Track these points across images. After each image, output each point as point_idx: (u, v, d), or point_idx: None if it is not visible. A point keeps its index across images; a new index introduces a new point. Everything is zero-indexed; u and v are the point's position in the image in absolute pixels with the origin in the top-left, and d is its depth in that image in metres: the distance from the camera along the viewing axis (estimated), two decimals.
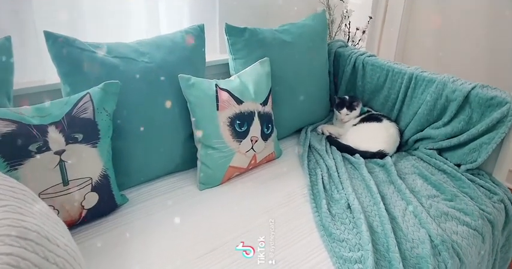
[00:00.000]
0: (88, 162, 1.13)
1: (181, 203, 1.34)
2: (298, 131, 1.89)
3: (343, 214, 1.27)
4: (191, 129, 1.43)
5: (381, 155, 1.66)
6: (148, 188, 1.40)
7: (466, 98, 1.51)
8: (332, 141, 1.76)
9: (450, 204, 1.35)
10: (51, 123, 1.07)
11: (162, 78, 1.36)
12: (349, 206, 1.31)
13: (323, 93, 1.93)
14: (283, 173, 1.54)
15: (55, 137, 1.06)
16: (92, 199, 1.16)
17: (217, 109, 1.37)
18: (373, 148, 1.67)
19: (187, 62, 1.44)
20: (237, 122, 1.40)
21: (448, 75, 1.60)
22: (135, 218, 1.26)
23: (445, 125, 1.60)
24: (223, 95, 1.39)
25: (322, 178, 1.47)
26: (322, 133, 1.85)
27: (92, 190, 1.15)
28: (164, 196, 1.37)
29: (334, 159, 1.60)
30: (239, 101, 1.41)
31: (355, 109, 1.79)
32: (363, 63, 1.88)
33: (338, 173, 1.50)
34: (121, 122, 1.28)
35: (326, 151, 1.67)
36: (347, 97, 1.83)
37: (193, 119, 1.39)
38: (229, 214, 1.28)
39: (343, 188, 1.41)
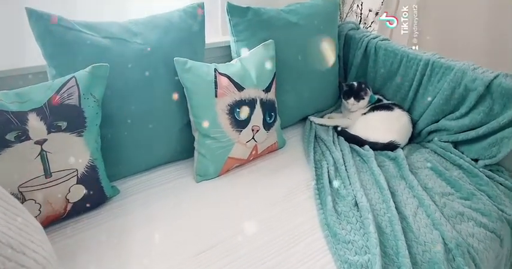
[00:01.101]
0: (73, 152, 1.04)
1: (176, 196, 1.25)
2: (303, 120, 1.78)
3: (350, 212, 1.18)
4: (188, 117, 1.33)
5: (392, 146, 1.55)
6: (141, 179, 1.31)
7: (488, 88, 1.39)
8: (339, 131, 1.65)
9: (466, 203, 1.24)
10: (31, 110, 0.98)
11: (157, 61, 1.25)
12: (356, 204, 1.21)
13: (331, 79, 1.81)
14: (286, 165, 1.45)
15: (36, 125, 0.97)
16: (78, 192, 1.07)
17: (216, 96, 1.27)
18: (384, 139, 1.56)
19: (185, 44, 1.33)
20: (237, 110, 1.29)
21: (468, 62, 1.47)
22: (126, 211, 1.17)
23: (462, 116, 1.48)
24: (223, 81, 1.28)
25: (328, 172, 1.37)
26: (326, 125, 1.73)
27: (77, 183, 1.06)
28: (158, 188, 1.28)
29: (341, 151, 1.50)
30: (240, 88, 1.31)
31: (363, 98, 1.67)
32: (375, 47, 1.75)
33: (345, 166, 1.40)
34: (112, 108, 1.18)
35: (333, 141, 1.57)
36: (355, 84, 1.70)
37: (189, 106, 1.29)
38: (227, 208, 1.20)
39: (350, 184, 1.31)
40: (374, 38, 1.77)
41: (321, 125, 1.72)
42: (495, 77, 1.37)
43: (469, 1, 2.08)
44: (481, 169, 1.40)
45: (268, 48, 1.45)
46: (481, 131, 1.41)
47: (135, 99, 1.22)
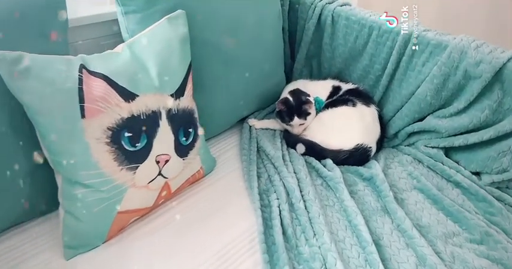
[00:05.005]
0: None
1: None
2: (240, 122, 1.28)
3: None
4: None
5: (361, 152, 1.13)
6: None
7: (497, 75, 0.99)
8: (290, 139, 1.19)
9: (480, 250, 0.86)
10: None
11: None
12: None
13: (275, 63, 1.32)
14: (217, 205, 0.96)
15: None
16: None
17: (83, 116, 0.73)
18: (349, 144, 1.13)
19: (23, 26, 0.76)
20: (126, 134, 0.77)
21: (467, 37, 1.04)
22: None
23: (459, 113, 1.08)
24: (96, 87, 0.74)
25: (280, 214, 0.91)
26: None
27: None
28: None
29: (295, 173, 1.04)
30: (128, 95, 0.78)
31: (310, 113, 1.19)
32: (332, 16, 1.27)
33: (304, 201, 0.95)
34: None
35: (283, 157, 1.10)
36: (290, 98, 1.20)
37: (38, 136, 0.75)
38: None
39: (315, 234, 0.86)
40: (330, 3, 1.29)
41: (265, 129, 1.25)
42: (509, 60, 0.96)
43: None
44: (487, 188, 1.02)
45: (176, 23, 0.92)
46: (486, 134, 1.02)
47: None
